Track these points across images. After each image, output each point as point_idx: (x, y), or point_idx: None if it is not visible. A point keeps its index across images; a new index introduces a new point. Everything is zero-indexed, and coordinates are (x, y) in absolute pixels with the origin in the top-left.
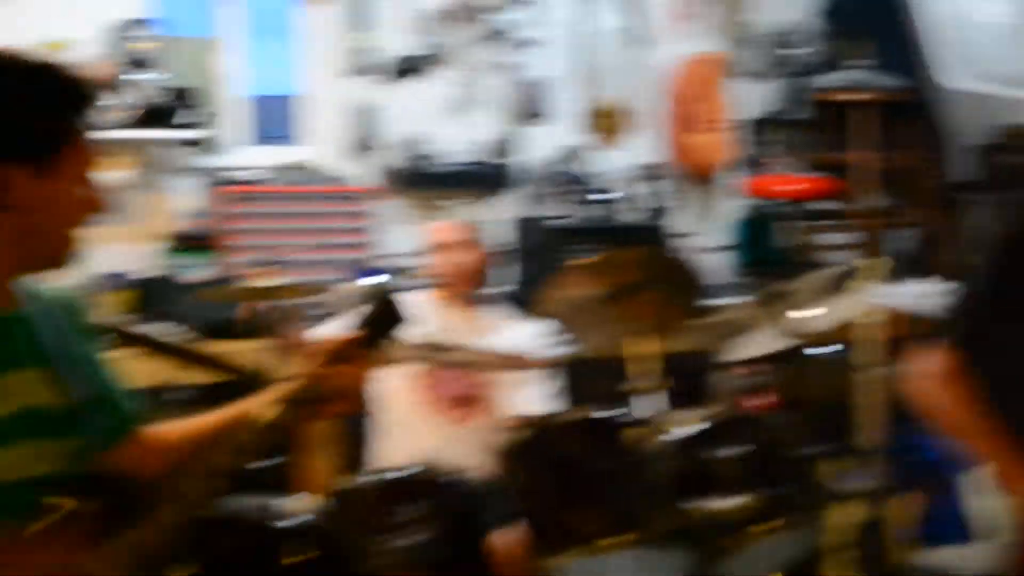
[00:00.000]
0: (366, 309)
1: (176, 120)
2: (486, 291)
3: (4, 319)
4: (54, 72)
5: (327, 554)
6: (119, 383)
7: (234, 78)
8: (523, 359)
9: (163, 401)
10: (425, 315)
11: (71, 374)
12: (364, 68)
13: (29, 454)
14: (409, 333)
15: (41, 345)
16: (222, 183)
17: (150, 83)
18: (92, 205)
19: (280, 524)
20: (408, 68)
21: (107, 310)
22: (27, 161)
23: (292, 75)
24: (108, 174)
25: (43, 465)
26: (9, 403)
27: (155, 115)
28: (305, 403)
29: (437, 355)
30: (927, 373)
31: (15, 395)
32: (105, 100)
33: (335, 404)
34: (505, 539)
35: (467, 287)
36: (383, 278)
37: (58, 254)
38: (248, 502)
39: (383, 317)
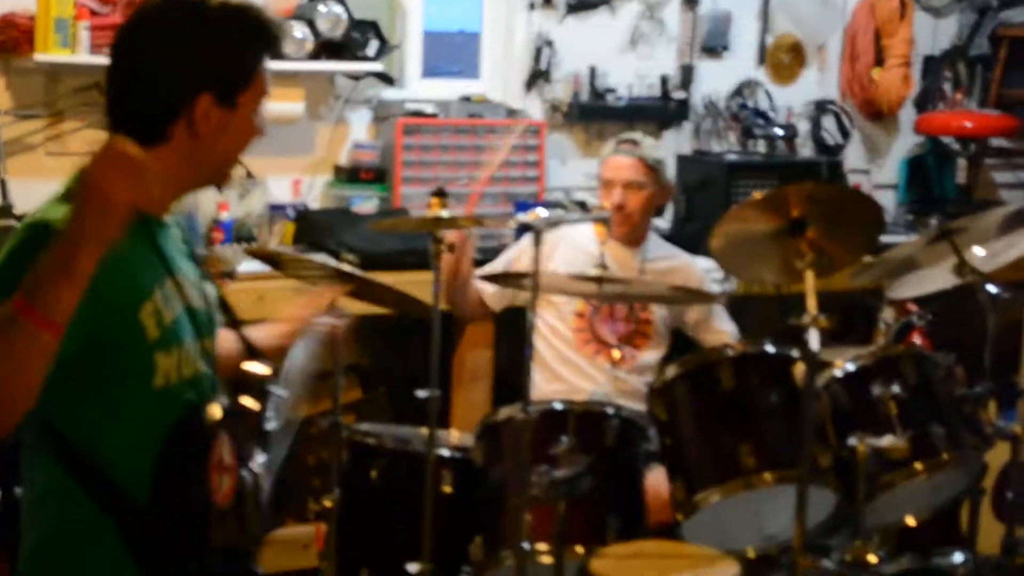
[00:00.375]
0: None
1: (354, 52)
2: (656, 227)
3: (164, 225)
4: (251, 13)
5: (479, 485)
6: None
7: (413, 11)
8: (691, 293)
9: None
10: (591, 249)
11: (207, 276)
12: (542, 1)
13: (193, 352)
14: (574, 266)
15: (187, 250)
16: (397, 115)
17: (330, 15)
18: (259, 133)
19: (433, 454)
20: (586, 1)
21: (279, 239)
22: (217, 93)
23: (470, 9)
24: (285, 105)
25: (202, 363)
26: (177, 304)
27: (333, 47)
28: None
29: (602, 288)
30: None
31: (180, 297)
32: (286, 31)
33: None
34: (658, 474)
35: (635, 225)
36: (541, 211)
37: (223, 176)
38: (401, 432)
39: None
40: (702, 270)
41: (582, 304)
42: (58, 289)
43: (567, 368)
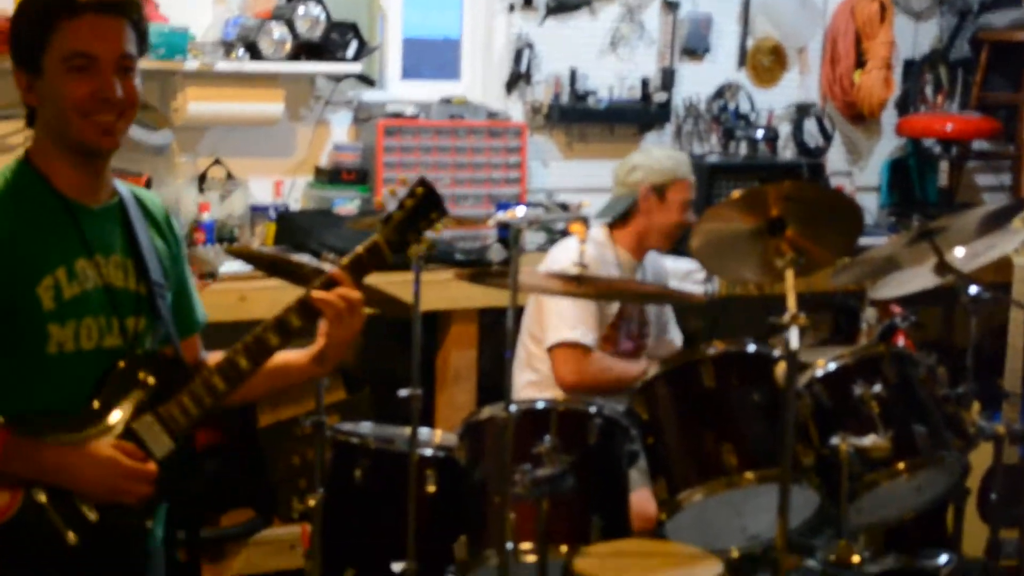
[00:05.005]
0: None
1: (333, 54)
2: None
3: (101, 210)
4: None
5: (462, 484)
6: (191, 292)
7: (392, 12)
8: (673, 292)
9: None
10: (588, 253)
11: (150, 263)
12: (522, 3)
13: (103, 327)
14: (564, 265)
15: (130, 236)
16: (378, 117)
17: (308, 16)
18: None
19: (416, 453)
20: (566, 3)
21: (260, 240)
22: None
23: (450, 11)
24: (264, 106)
25: (112, 339)
26: (94, 280)
27: (313, 48)
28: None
29: (585, 285)
30: None
31: (100, 275)
32: (264, 33)
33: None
34: (643, 494)
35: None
36: (520, 210)
37: None
38: (385, 431)
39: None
40: (683, 271)
41: (614, 318)
42: None
43: None
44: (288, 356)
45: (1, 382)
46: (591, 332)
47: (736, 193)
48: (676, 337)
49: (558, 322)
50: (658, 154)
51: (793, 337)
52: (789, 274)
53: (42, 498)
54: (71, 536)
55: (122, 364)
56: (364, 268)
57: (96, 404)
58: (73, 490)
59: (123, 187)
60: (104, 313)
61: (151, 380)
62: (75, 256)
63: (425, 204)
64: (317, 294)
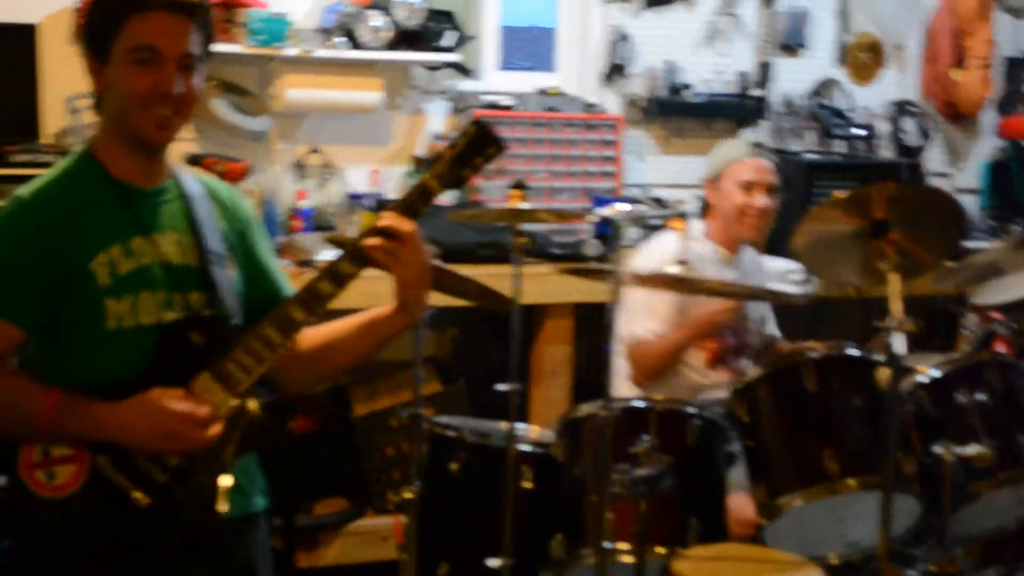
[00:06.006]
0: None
1: (431, 43)
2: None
3: (156, 190)
4: None
5: (559, 481)
6: (271, 268)
7: (491, 3)
8: (772, 291)
9: None
10: (689, 250)
11: (208, 236)
12: None
13: (160, 302)
14: (663, 263)
15: (188, 216)
16: (474, 107)
17: (407, 4)
18: None
19: (514, 448)
20: None
21: (357, 229)
22: None
23: (546, 2)
24: (363, 94)
25: (171, 312)
26: (151, 256)
27: (410, 37)
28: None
29: (683, 284)
30: None
31: (157, 252)
32: (363, 21)
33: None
34: (741, 498)
35: (757, 232)
36: (621, 206)
37: None
38: (482, 425)
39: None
40: (781, 270)
41: None
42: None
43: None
44: (372, 313)
45: (64, 359)
46: (651, 321)
47: (839, 194)
48: (775, 335)
49: (625, 320)
50: (721, 147)
51: (898, 342)
52: (893, 278)
53: (104, 462)
54: (140, 496)
55: (172, 331)
56: (414, 208)
57: (152, 371)
58: (128, 444)
59: (185, 173)
60: (163, 288)
61: (201, 340)
62: (131, 235)
63: (478, 142)
64: (367, 240)
